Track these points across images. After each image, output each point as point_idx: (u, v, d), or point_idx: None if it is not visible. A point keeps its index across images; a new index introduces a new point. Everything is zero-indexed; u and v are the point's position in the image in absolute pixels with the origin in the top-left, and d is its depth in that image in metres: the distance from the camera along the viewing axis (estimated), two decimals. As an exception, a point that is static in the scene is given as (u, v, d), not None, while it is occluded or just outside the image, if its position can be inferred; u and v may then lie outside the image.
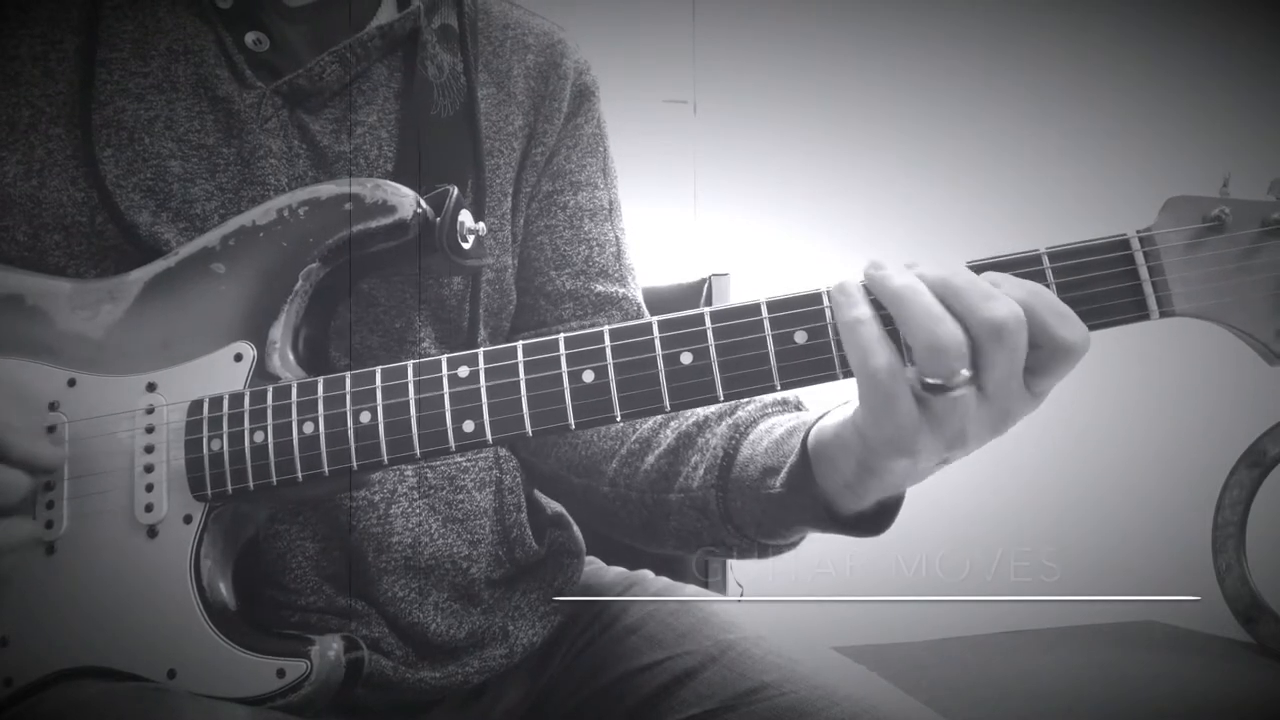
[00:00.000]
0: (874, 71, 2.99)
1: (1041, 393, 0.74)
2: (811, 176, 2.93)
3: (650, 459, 0.99)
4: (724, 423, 0.95)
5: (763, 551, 0.95)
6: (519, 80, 1.07)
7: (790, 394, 0.95)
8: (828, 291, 0.76)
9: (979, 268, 0.74)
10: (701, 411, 0.97)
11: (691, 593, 1.10)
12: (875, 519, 0.85)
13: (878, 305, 0.73)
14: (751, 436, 0.92)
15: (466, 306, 1.02)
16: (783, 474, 0.86)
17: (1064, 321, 0.71)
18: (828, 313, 0.76)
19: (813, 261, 2.86)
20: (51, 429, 0.89)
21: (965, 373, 0.71)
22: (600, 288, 1.09)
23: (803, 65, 2.95)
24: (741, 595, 1.57)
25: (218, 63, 0.96)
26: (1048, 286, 0.74)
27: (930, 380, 0.71)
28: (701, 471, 0.94)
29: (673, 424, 0.99)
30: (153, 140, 0.94)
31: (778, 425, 0.91)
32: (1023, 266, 0.74)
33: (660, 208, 2.75)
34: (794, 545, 0.94)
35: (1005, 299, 0.70)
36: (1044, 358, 0.72)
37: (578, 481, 1.05)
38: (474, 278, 1.02)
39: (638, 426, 1.01)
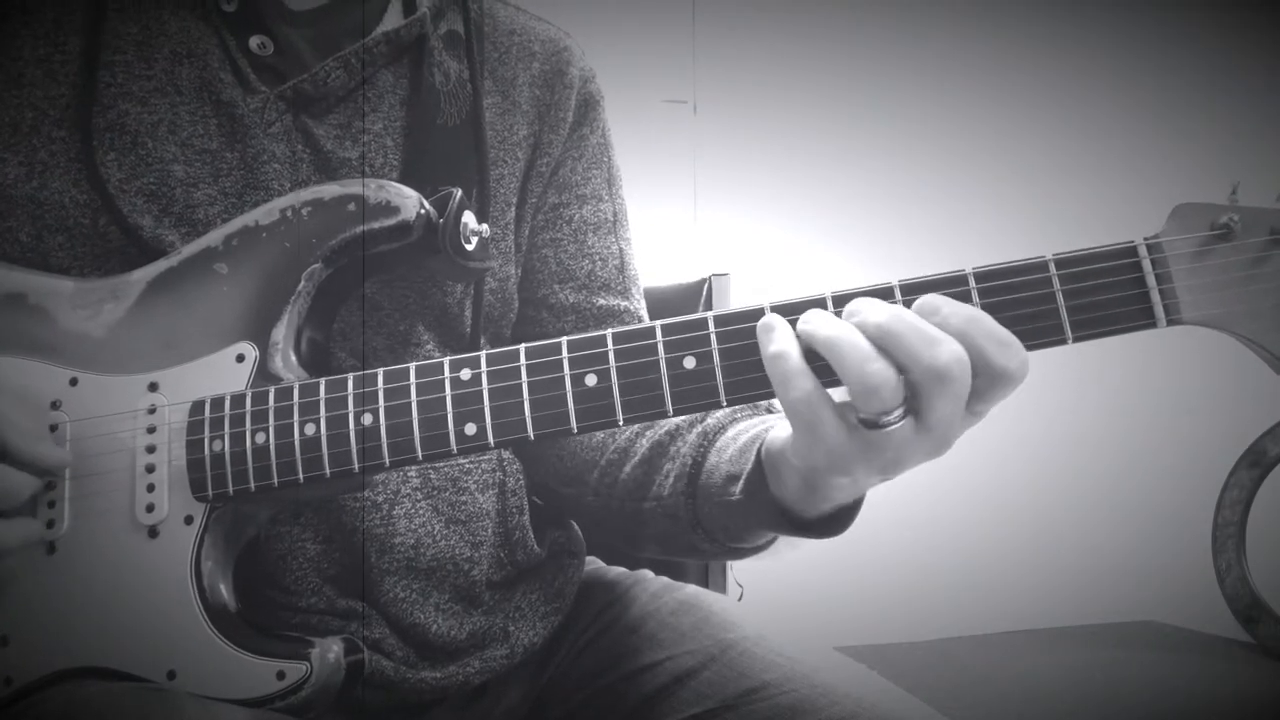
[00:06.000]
0: (876, 72, 2.99)
1: (980, 413, 0.74)
2: (812, 176, 2.93)
3: (627, 468, 1.00)
4: (694, 430, 0.96)
5: (733, 554, 0.96)
6: (524, 89, 1.07)
7: None
8: (832, 297, 0.76)
9: (984, 274, 0.74)
10: (674, 419, 0.98)
11: (691, 593, 1.10)
12: (834, 521, 0.86)
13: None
14: (718, 444, 0.93)
15: (468, 314, 1.02)
16: (741, 481, 0.87)
17: (1003, 350, 0.71)
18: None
19: (813, 261, 2.86)
20: (54, 429, 0.89)
21: (899, 409, 0.71)
22: (603, 301, 1.10)
23: (803, 65, 2.95)
24: (741, 595, 1.57)
25: (221, 66, 0.96)
26: (1054, 294, 0.73)
27: (864, 417, 0.72)
28: (672, 480, 0.95)
29: (648, 433, 1.00)
30: (156, 144, 0.94)
31: (743, 432, 0.92)
32: (1029, 273, 0.74)
33: (660, 208, 2.76)
34: (761, 549, 0.95)
35: (948, 343, 0.70)
36: (982, 385, 0.72)
37: (565, 491, 1.07)
38: (477, 285, 1.02)
39: (616, 437, 1.03)
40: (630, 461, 1.00)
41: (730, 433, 0.94)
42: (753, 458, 0.86)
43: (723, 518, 0.91)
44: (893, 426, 0.72)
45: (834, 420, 0.73)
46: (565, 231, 1.10)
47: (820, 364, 0.73)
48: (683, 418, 0.98)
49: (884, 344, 0.71)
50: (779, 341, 0.73)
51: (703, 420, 0.97)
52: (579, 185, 1.11)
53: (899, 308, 0.72)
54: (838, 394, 0.74)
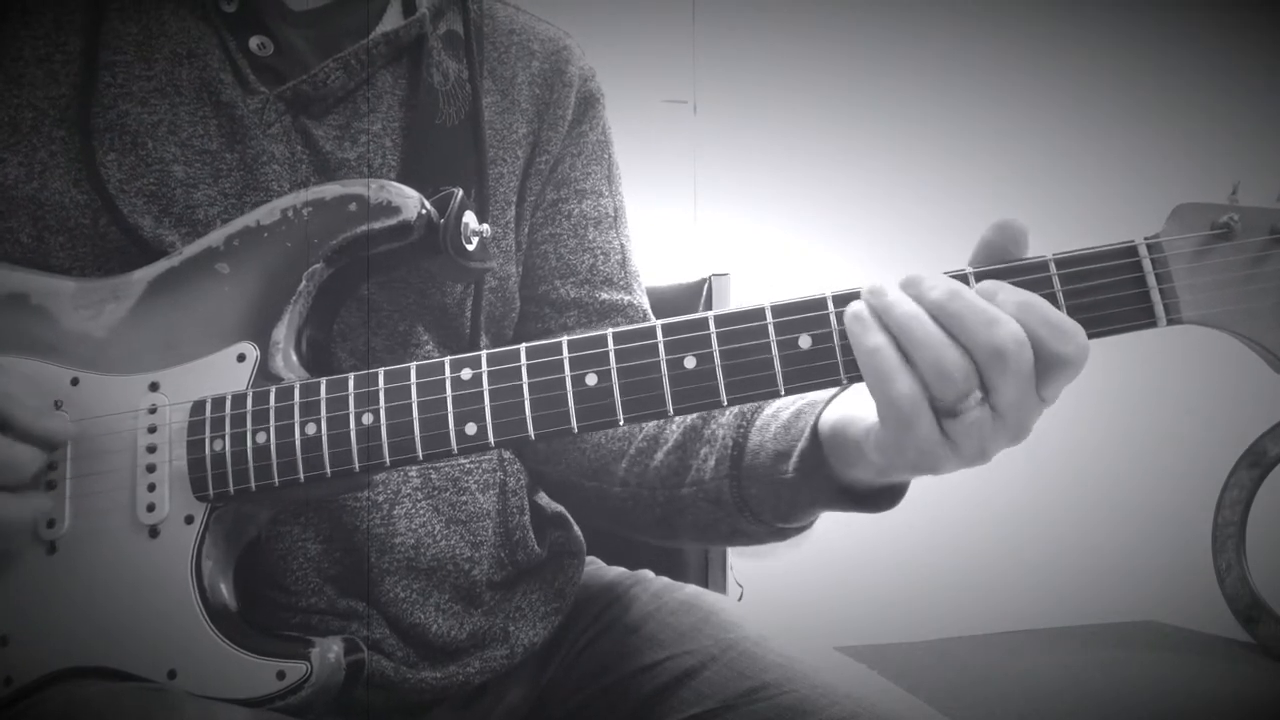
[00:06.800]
0: (876, 72, 2.99)
1: (1050, 398, 0.73)
2: (812, 176, 2.93)
3: (659, 455, 0.99)
4: (728, 413, 0.96)
5: (780, 535, 0.95)
6: (523, 87, 1.07)
7: None
8: (832, 297, 0.76)
9: (985, 274, 0.74)
10: None
11: (691, 593, 1.10)
12: (888, 494, 0.85)
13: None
14: (759, 423, 0.92)
15: (467, 314, 1.02)
16: (794, 458, 0.86)
17: (1058, 335, 0.71)
18: (832, 318, 0.76)
19: (813, 261, 2.87)
20: (59, 404, 0.89)
21: (976, 395, 0.71)
22: (605, 296, 1.09)
23: (803, 65, 2.95)
24: (741, 595, 1.57)
25: (221, 67, 0.96)
26: (1054, 293, 0.73)
27: (941, 405, 0.71)
28: (712, 463, 0.94)
29: (678, 418, 0.99)
30: (156, 145, 0.94)
31: (783, 408, 0.91)
32: (1029, 273, 0.74)
33: (660, 208, 2.76)
34: (808, 526, 0.94)
35: (1006, 322, 0.70)
36: (1040, 370, 0.71)
37: (589, 485, 1.05)
38: (476, 285, 1.02)
39: (644, 426, 1.01)
40: (662, 448, 0.99)
41: (769, 410, 0.93)
42: (806, 434, 0.85)
43: (771, 497, 0.90)
44: (970, 415, 0.71)
45: (930, 417, 0.72)
46: (564, 226, 1.09)
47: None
48: None
49: (944, 323, 0.71)
50: (876, 334, 0.72)
51: None
52: (578, 181, 1.10)
53: (957, 284, 0.72)
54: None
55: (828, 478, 0.85)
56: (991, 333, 0.70)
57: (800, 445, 0.86)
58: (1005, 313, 0.70)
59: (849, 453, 0.82)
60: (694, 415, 0.98)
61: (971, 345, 0.70)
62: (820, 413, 0.86)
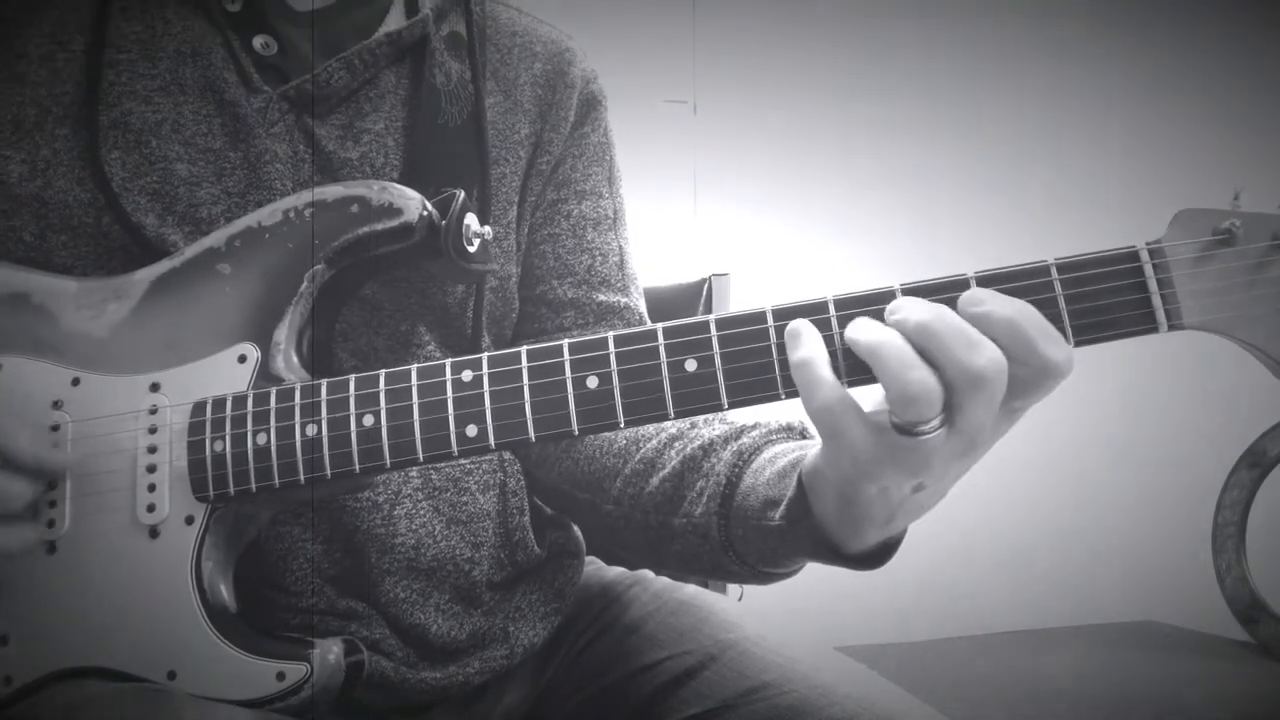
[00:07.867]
0: (877, 74, 2.99)
1: (1018, 410, 0.73)
2: (811, 177, 2.93)
3: (655, 481, 0.98)
4: (729, 449, 0.95)
5: (763, 579, 0.94)
6: (526, 89, 1.07)
7: (795, 420, 0.95)
8: (834, 300, 0.76)
9: (986, 279, 0.74)
10: (707, 434, 0.97)
11: (691, 593, 1.10)
12: (876, 554, 0.84)
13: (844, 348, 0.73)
14: (754, 465, 0.91)
15: (469, 314, 1.02)
16: (782, 507, 0.86)
17: (1051, 342, 0.71)
18: (834, 321, 0.75)
19: (813, 261, 2.86)
20: (55, 429, 0.89)
21: (937, 419, 0.70)
22: (602, 297, 1.09)
23: (803, 65, 2.95)
24: (741, 595, 1.57)
25: (225, 66, 0.96)
26: (1056, 298, 0.73)
27: (898, 422, 0.71)
28: (705, 499, 0.93)
29: (677, 445, 0.98)
30: (159, 143, 0.94)
31: (781, 455, 0.90)
32: (1031, 278, 0.73)
33: (660, 208, 2.76)
34: (793, 573, 0.94)
35: (988, 347, 0.69)
36: (1028, 376, 0.71)
37: (581, 496, 1.05)
38: (478, 285, 1.02)
39: (641, 445, 1.01)
40: (658, 474, 0.98)
41: (767, 454, 0.92)
42: (794, 483, 0.85)
43: (757, 542, 0.89)
44: (927, 436, 0.71)
45: (859, 427, 0.72)
46: (564, 227, 1.09)
47: (860, 373, 0.73)
48: (716, 432, 0.96)
49: (923, 343, 0.70)
50: (805, 348, 0.73)
51: (738, 438, 0.95)
52: (579, 181, 1.10)
53: (943, 308, 0.71)
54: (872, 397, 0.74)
55: (812, 528, 0.84)
56: (971, 356, 0.69)
57: (789, 494, 0.85)
58: (997, 316, 0.70)
59: (815, 482, 0.82)
60: (694, 446, 0.97)
61: (950, 367, 0.69)
62: (805, 458, 0.85)
